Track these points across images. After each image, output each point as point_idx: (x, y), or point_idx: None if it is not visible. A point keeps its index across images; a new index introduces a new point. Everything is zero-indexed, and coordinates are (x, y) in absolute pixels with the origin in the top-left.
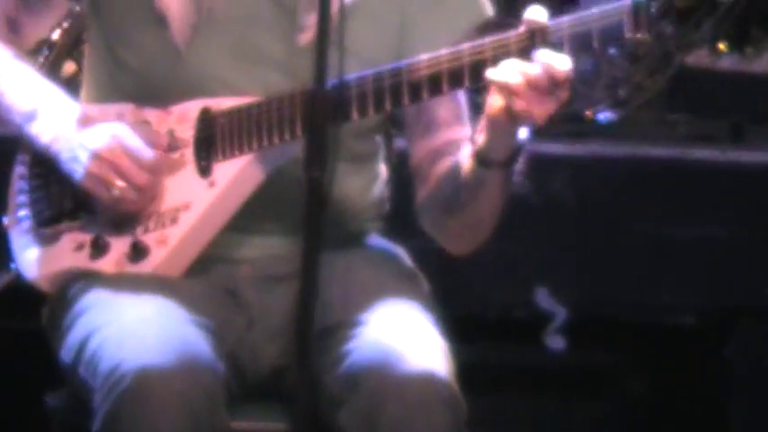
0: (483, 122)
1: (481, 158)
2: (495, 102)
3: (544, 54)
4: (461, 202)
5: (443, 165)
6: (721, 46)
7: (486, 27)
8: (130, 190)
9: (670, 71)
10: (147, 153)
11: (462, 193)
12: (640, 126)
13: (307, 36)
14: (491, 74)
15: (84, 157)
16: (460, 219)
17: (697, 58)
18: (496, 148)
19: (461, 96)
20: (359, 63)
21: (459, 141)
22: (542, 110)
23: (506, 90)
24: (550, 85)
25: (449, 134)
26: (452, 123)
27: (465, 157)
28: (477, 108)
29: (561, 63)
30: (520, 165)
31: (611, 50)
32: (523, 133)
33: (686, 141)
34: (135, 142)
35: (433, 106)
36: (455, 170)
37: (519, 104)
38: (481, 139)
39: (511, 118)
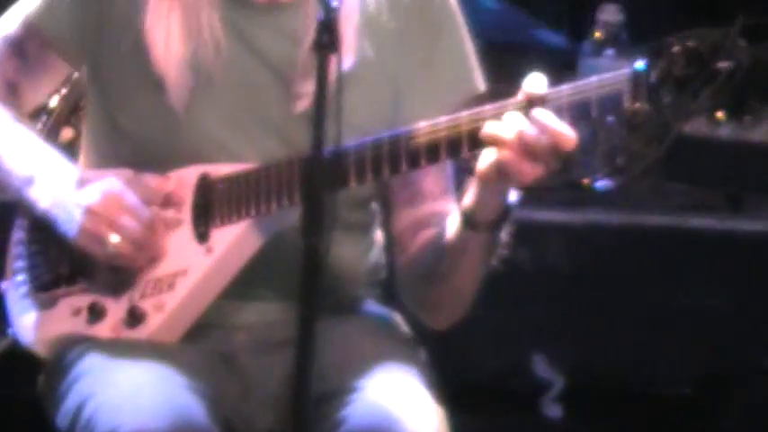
0: (472, 181)
1: (468, 219)
2: (486, 158)
3: (552, 120)
4: (443, 270)
5: (425, 235)
6: (719, 115)
7: (483, 97)
8: (126, 244)
9: (668, 140)
10: (142, 207)
11: (444, 259)
12: (638, 194)
13: (303, 104)
14: (488, 127)
15: (77, 215)
16: (440, 288)
17: (695, 126)
18: (484, 209)
19: (449, 170)
20: (353, 132)
21: (443, 214)
22: (533, 172)
23: (499, 143)
24: (551, 152)
25: (434, 206)
26: (438, 196)
27: (450, 223)
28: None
29: (567, 134)
30: (505, 235)
31: (609, 119)
32: (512, 197)
33: (683, 210)
34: (129, 197)
35: (421, 177)
36: (438, 238)
37: (509, 159)
38: (469, 198)
39: (500, 175)
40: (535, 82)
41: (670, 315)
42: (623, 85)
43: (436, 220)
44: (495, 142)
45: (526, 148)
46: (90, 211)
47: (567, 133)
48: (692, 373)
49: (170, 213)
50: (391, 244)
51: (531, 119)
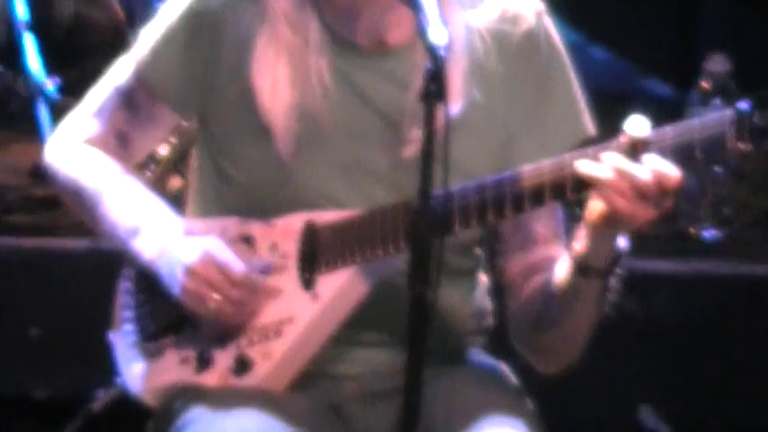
0: (582, 229)
1: (579, 266)
2: (596, 206)
3: (654, 160)
4: (555, 316)
5: (537, 280)
6: None
7: (593, 143)
8: (226, 304)
9: None
10: (238, 267)
11: (556, 306)
12: (746, 245)
13: (411, 150)
14: (583, 166)
15: (179, 273)
16: (552, 334)
17: None
18: (595, 255)
19: (559, 214)
20: (462, 178)
21: (555, 259)
22: (644, 215)
23: (595, 182)
24: (658, 191)
25: (545, 251)
26: (549, 240)
27: (560, 269)
28: (575, 219)
29: (671, 170)
30: (616, 281)
31: (716, 168)
32: (623, 242)
33: None
34: (226, 255)
35: (532, 222)
36: (549, 284)
37: (621, 205)
38: (580, 246)
39: (611, 222)
40: (637, 124)
41: None
42: (727, 126)
43: (548, 265)
44: (592, 181)
45: (630, 187)
46: (190, 271)
47: (671, 170)
48: None
49: (276, 260)
50: (503, 290)
51: (633, 158)
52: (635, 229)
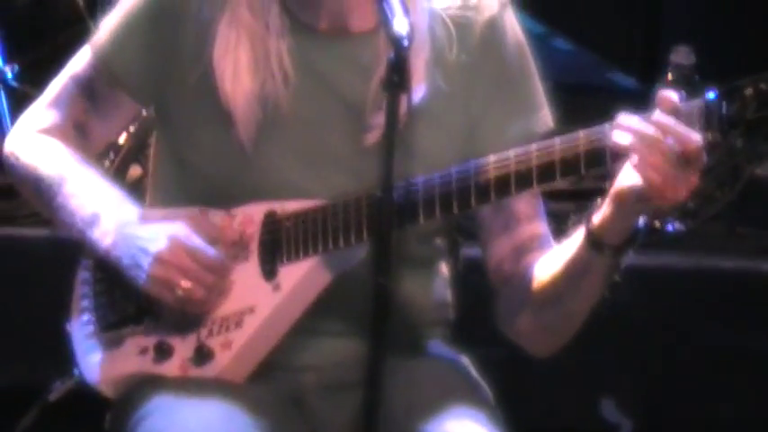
0: (605, 202)
1: (594, 240)
2: (626, 178)
3: (662, 116)
4: (558, 294)
5: (529, 259)
6: None
7: (548, 134)
8: (198, 289)
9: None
10: (210, 251)
11: (562, 282)
12: (709, 238)
13: (373, 137)
14: (619, 138)
15: (145, 263)
16: (553, 312)
17: (766, 170)
18: (613, 231)
19: (538, 192)
20: (424, 166)
21: (542, 236)
22: (675, 190)
23: (643, 157)
24: (681, 156)
25: (531, 229)
26: (533, 218)
27: (569, 245)
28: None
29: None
30: (629, 258)
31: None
32: (641, 221)
33: (755, 254)
34: (196, 241)
35: (512, 202)
36: (551, 261)
37: (655, 179)
38: (598, 219)
39: (640, 196)
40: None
41: (741, 359)
42: (695, 117)
43: (537, 244)
44: (622, 150)
45: (666, 157)
46: (158, 259)
47: (689, 133)
48: (763, 419)
49: (237, 251)
50: (489, 277)
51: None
52: (666, 204)
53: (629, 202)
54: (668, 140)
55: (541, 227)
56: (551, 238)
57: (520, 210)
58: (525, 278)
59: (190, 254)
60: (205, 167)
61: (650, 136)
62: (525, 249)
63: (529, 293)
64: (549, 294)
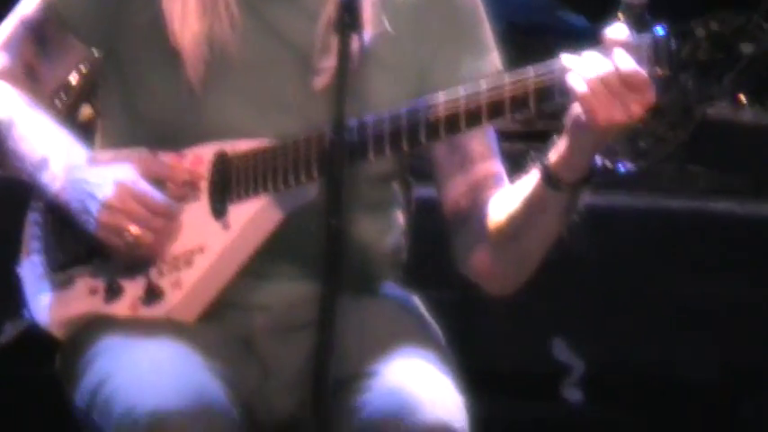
0: (561, 140)
1: (551, 177)
2: (575, 108)
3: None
4: (515, 231)
5: (485, 197)
6: (742, 99)
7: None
8: (146, 234)
9: (691, 124)
10: (158, 195)
11: (518, 221)
12: (660, 178)
13: (321, 80)
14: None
15: (93, 209)
16: (511, 250)
17: (718, 110)
18: (569, 168)
19: (491, 131)
20: (374, 109)
21: (497, 175)
22: (608, 111)
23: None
24: (622, 85)
25: (486, 167)
26: (487, 156)
27: (526, 182)
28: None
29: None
30: (585, 197)
31: None
32: (597, 160)
33: (706, 194)
34: (144, 186)
35: (466, 141)
36: (508, 199)
37: (585, 95)
38: (554, 157)
39: (580, 123)
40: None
41: (692, 300)
42: (643, 50)
43: (492, 182)
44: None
45: (598, 81)
46: (106, 206)
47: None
48: (714, 360)
49: (187, 191)
50: (445, 217)
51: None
52: (611, 133)
53: (578, 132)
54: (607, 62)
55: (496, 165)
56: (506, 176)
57: (474, 149)
58: (482, 216)
59: (138, 199)
60: (153, 109)
61: (592, 57)
62: (481, 187)
63: (486, 231)
64: (506, 232)
